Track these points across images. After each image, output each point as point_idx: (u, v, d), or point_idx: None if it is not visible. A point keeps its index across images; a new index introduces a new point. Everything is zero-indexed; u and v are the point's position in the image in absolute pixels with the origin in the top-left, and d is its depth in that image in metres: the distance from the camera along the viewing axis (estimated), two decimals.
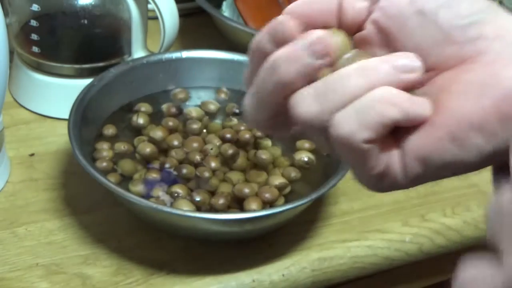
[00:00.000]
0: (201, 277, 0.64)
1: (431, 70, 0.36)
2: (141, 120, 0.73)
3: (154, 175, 0.68)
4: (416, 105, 0.34)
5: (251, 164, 0.70)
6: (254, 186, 0.67)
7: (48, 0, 0.79)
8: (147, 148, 0.70)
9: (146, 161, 0.69)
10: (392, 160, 0.35)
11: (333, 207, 0.72)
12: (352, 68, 0.35)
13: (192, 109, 0.76)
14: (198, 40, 0.93)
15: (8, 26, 0.69)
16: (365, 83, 0.34)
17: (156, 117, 0.74)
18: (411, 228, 0.71)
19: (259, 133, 0.73)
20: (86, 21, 0.79)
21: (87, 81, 0.73)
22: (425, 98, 0.35)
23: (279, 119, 0.39)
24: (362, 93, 0.34)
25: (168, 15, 0.78)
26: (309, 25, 0.37)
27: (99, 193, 0.69)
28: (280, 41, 0.37)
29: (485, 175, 0.37)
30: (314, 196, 0.63)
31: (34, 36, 0.79)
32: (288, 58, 0.36)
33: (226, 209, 0.65)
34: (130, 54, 0.82)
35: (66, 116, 0.68)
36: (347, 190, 0.74)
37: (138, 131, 0.73)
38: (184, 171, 0.68)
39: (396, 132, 0.35)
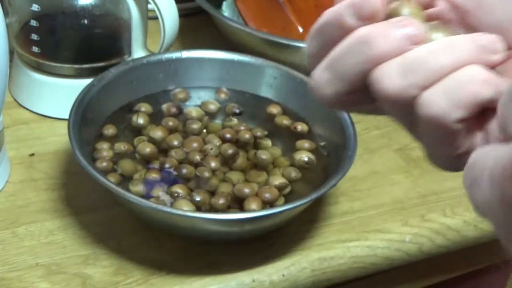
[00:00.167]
0: (201, 277, 0.64)
1: (510, 48, 0.36)
2: (141, 120, 0.73)
3: (154, 175, 0.68)
4: (505, 85, 0.34)
5: (251, 164, 0.70)
6: (254, 186, 0.67)
7: (48, 0, 0.79)
8: (147, 148, 0.70)
9: (146, 161, 0.69)
10: (476, 140, 0.35)
11: (333, 207, 0.72)
12: (440, 44, 0.34)
13: (192, 109, 0.76)
14: (198, 40, 0.92)
15: (8, 26, 0.69)
16: (454, 61, 0.34)
17: (156, 117, 0.74)
18: (411, 228, 0.71)
19: (259, 133, 0.73)
20: (86, 21, 0.79)
21: (87, 81, 0.73)
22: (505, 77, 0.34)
23: (356, 95, 0.37)
24: (450, 71, 0.34)
25: (168, 15, 0.78)
26: None
27: (99, 193, 0.69)
28: (365, 16, 0.36)
29: None
30: (314, 196, 0.63)
31: (34, 36, 0.79)
32: (384, 36, 0.35)
33: (226, 209, 0.65)
34: (130, 54, 0.82)
35: (66, 116, 0.68)
36: (347, 190, 0.74)
37: (138, 131, 0.73)
38: (184, 171, 0.68)
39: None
